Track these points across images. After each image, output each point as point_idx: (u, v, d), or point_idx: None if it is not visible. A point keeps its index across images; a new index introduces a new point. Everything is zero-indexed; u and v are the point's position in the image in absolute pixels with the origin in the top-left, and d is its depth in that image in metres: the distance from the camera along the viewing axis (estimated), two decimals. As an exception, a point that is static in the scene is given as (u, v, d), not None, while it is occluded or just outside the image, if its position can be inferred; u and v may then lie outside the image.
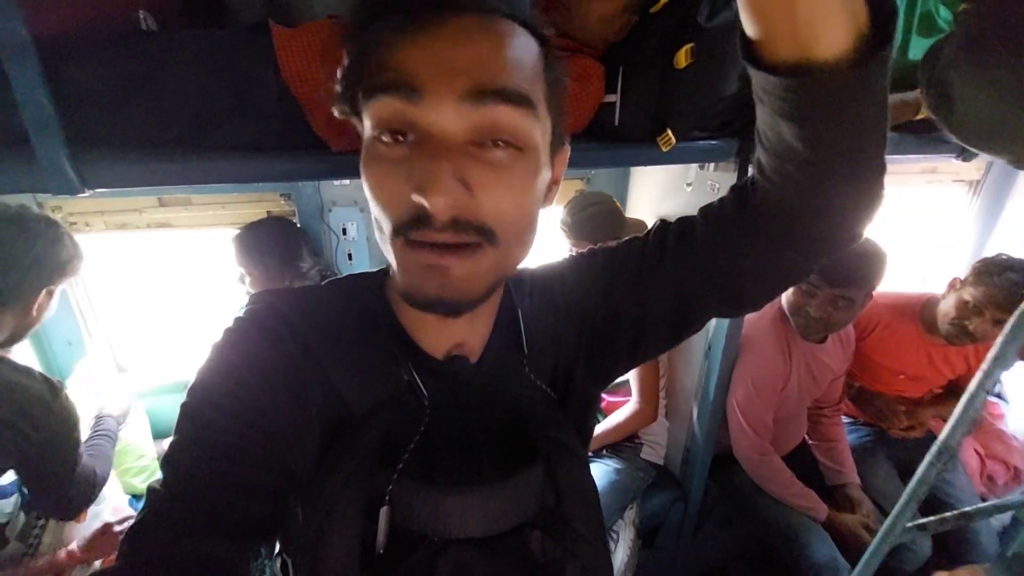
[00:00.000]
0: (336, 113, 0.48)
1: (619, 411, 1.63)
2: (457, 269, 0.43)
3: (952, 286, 1.66)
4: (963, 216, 2.42)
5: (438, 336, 0.55)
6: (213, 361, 0.50)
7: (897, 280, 1.92)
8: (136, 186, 0.79)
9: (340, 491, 0.47)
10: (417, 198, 0.40)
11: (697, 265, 0.58)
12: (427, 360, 0.55)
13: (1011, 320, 0.85)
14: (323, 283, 0.58)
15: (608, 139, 1.03)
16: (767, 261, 0.56)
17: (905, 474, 1.55)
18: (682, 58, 0.92)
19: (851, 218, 0.51)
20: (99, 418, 1.29)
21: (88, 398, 1.33)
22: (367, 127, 0.44)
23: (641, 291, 0.60)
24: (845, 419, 1.88)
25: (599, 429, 1.63)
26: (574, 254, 0.67)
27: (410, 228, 0.42)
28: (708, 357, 1.53)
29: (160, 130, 0.80)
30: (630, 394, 1.61)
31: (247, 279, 1.44)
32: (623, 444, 1.65)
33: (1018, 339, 0.85)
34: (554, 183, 0.53)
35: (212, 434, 0.46)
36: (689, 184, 1.43)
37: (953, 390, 1.80)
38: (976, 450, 1.86)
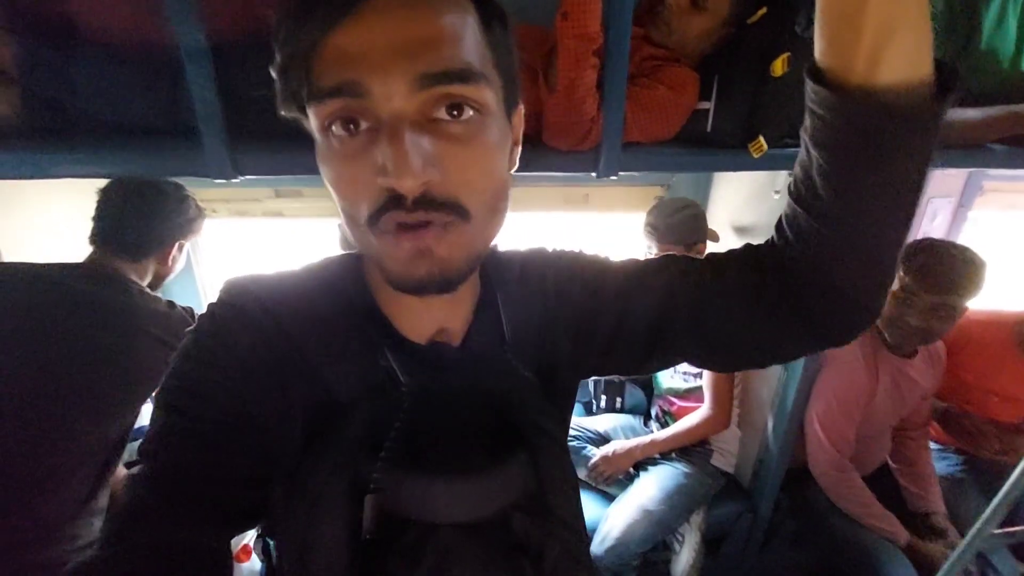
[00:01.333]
0: (283, 113, 0.46)
1: (691, 415, 1.63)
2: (439, 248, 0.42)
3: None
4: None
5: (419, 321, 0.54)
6: (190, 350, 0.47)
7: (1003, 304, 1.80)
8: (276, 175, 0.90)
9: (327, 480, 0.47)
10: (384, 181, 0.39)
11: (685, 302, 0.58)
12: (408, 346, 0.54)
13: None
14: (299, 267, 0.56)
15: (698, 145, 1.06)
16: (748, 327, 0.56)
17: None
18: (779, 67, 0.94)
19: (844, 313, 0.52)
20: None
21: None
22: (315, 124, 0.42)
23: (627, 301, 0.59)
24: (933, 446, 1.77)
25: (669, 432, 1.64)
26: (580, 252, 0.66)
27: (382, 213, 0.41)
28: (787, 367, 1.50)
29: (293, 129, 0.91)
30: (702, 400, 1.61)
31: (348, 263, 1.57)
32: (693, 449, 1.65)
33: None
34: (515, 144, 0.51)
35: (193, 423, 0.45)
36: (777, 192, 1.43)
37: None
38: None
